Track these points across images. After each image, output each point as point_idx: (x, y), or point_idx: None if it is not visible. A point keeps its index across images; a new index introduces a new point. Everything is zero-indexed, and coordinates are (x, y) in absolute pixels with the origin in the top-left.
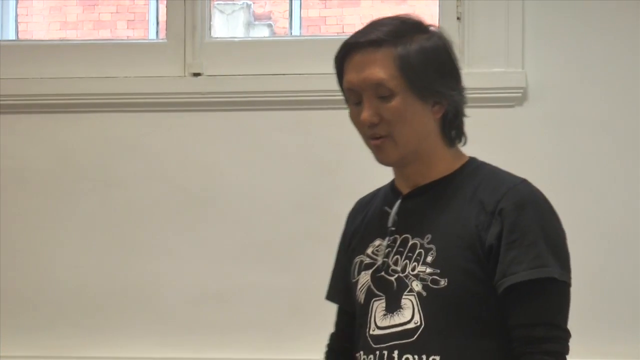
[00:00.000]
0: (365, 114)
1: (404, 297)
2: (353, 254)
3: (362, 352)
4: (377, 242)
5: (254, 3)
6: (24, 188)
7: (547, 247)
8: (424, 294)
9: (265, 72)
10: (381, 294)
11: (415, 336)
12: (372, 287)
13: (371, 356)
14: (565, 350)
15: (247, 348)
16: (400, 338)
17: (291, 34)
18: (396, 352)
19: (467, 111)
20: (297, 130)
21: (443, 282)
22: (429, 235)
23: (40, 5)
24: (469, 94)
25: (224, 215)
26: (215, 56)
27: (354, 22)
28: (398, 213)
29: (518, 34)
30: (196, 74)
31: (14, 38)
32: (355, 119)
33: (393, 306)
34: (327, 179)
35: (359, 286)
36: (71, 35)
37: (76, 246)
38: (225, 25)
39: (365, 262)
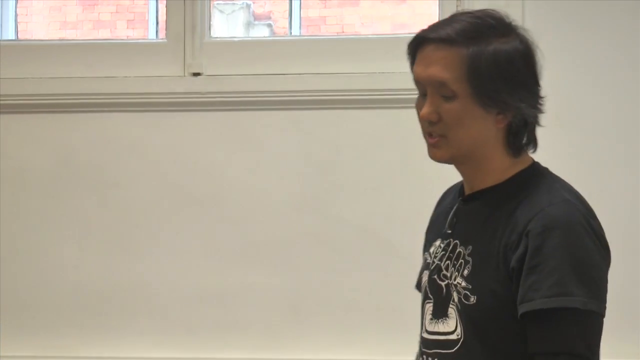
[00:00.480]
0: (425, 111)
1: (450, 305)
2: (424, 249)
3: (417, 352)
4: (437, 242)
5: (253, 3)
6: (23, 188)
7: (574, 274)
8: (459, 307)
9: (265, 72)
10: (432, 297)
11: (455, 349)
12: (427, 288)
13: (421, 359)
14: None
15: (246, 348)
16: (443, 347)
17: (291, 33)
18: None
19: None
20: (296, 130)
21: (473, 299)
22: (470, 247)
23: (39, 5)
24: None
25: (223, 215)
26: (215, 56)
27: (353, 22)
28: (456, 215)
29: None
30: (196, 74)
31: (13, 38)
32: (418, 110)
33: (439, 312)
34: (325, 179)
35: (421, 284)
36: (71, 35)
37: (75, 246)
38: (225, 25)
39: (427, 260)
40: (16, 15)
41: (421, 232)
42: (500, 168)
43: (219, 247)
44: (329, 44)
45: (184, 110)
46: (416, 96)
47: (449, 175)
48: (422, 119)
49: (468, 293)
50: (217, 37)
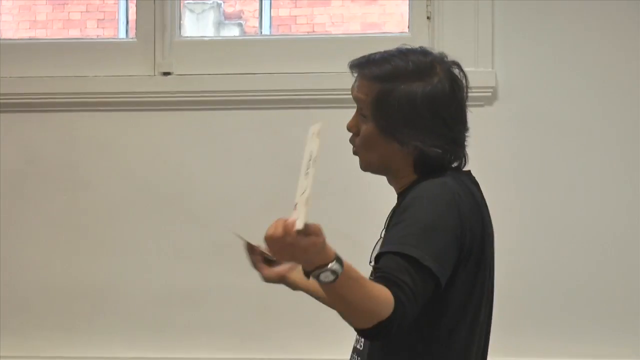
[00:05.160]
0: (350, 122)
1: None
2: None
3: None
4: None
5: (224, 2)
6: None
7: (416, 230)
8: None
9: (235, 72)
10: None
11: None
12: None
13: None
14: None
15: (216, 348)
16: None
17: (261, 33)
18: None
19: None
20: (266, 130)
21: (373, 276)
22: (381, 235)
23: (9, 4)
24: None
25: (193, 215)
26: (185, 55)
27: (324, 21)
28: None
29: (487, 33)
30: (166, 73)
31: None
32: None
33: None
34: (296, 179)
35: None
36: (40, 34)
37: (44, 246)
38: (195, 25)
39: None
40: None
41: None
42: (407, 178)
43: (189, 247)
44: (299, 44)
45: (154, 109)
46: None
47: None
48: (347, 128)
49: (373, 270)
50: (187, 37)
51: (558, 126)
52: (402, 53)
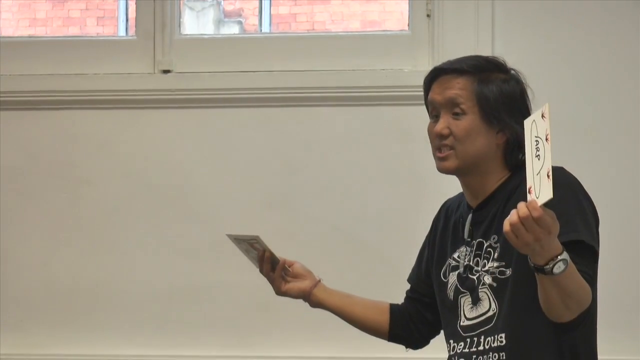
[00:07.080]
0: (439, 127)
1: (480, 290)
2: (443, 256)
3: (452, 340)
4: (461, 248)
5: (224, 0)
6: None
7: (579, 218)
8: (495, 285)
9: (235, 69)
10: (466, 291)
11: (494, 321)
12: (458, 285)
13: (462, 343)
14: None
15: (217, 345)
16: (484, 325)
17: (261, 31)
18: (482, 337)
19: None
20: (266, 128)
21: (508, 272)
22: (495, 236)
23: (8, 2)
24: None
25: (194, 213)
26: (185, 53)
27: (324, 19)
28: (471, 223)
29: (487, 31)
30: (166, 71)
31: None
32: (430, 129)
33: (475, 300)
34: (296, 176)
35: (448, 285)
36: (40, 31)
37: (45, 243)
38: (195, 22)
39: (452, 264)
40: None
41: (390, 229)
42: (497, 178)
43: (189, 244)
44: (299, 41)
45: (154, 107)
46: (387, 92)
47: (420, 175)
48: (435, 134)
49: (503, 269)
50: (187, 35)
51: (558, 124)
52: (478, 55)
